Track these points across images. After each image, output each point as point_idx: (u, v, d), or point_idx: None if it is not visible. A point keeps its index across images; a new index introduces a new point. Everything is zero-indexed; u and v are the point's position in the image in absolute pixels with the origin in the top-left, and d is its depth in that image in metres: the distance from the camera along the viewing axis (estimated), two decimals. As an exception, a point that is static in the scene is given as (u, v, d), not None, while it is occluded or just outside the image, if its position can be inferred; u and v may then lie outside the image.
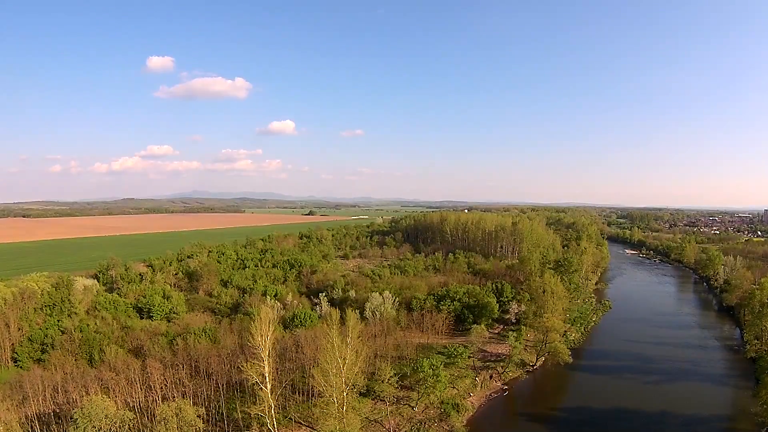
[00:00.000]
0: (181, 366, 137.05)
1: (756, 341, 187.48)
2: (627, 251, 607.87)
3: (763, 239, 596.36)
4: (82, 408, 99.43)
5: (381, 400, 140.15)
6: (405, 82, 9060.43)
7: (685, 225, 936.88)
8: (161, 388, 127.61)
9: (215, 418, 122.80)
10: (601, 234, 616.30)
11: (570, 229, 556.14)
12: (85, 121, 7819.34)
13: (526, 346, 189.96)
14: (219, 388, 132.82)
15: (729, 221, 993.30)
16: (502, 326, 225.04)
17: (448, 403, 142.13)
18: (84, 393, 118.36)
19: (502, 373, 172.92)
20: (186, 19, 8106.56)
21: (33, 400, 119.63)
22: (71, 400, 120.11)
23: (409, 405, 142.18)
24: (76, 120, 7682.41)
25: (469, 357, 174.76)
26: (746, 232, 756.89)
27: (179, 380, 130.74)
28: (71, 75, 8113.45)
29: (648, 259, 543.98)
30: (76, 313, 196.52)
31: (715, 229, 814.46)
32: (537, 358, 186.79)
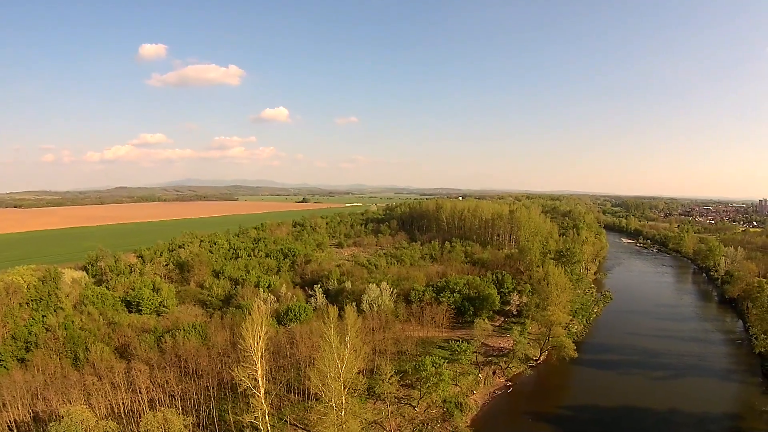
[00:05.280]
0: (168, 367, 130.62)
1: (764, 336, 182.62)
2: (623, 240, 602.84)
3: (760, 230, 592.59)
4: (61, 419, 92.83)
5: (381, 400, 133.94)
6: (399, 70, 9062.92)
7: (680, 214, 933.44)
8: (147, 391, 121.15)
9: (206, 422, 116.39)
10: (598, 223, 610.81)
11: (566, 218, 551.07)
12: (78, 110, 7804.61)
13: (528, 340, 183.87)
14: (209, 389, 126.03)
15: (724, 211, 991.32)
16: (503, 318, 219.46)
17: (450, 402, 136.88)
18: (65, 400, 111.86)
19: (506, 368, 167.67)
20: (179, 6, 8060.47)
21: (11, 406, 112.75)
22: (52, 407, 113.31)
23: (410, 404, 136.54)
24: (69, 109, 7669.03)
25: (472, 353, 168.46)
26: (742, 222, 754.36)
27: (167, 382, 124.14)
28: (63, 64, 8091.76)
29: (645, 248, 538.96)
30: (62, 309, 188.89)
31: (710, 219, 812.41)
32: (540, 353, 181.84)
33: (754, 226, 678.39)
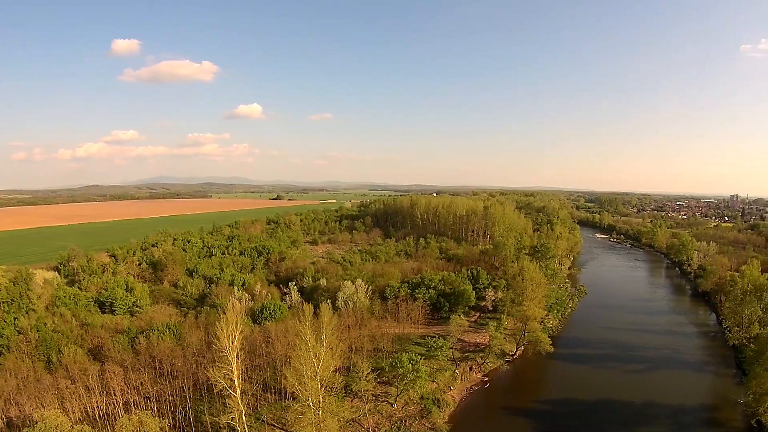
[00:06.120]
0: (143, 369, 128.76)
1: (737, 329, 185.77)
2: (597, 235, 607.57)
3: (731, 225, 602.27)
4: (35, 425, 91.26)
5: (358, 398, 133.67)
6: (372, 67, 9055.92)
7: (653, 210, 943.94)
8: (122, 393, 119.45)
9: (182, 424, 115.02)
10: (571, 218, 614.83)
11: (540, 213, 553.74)
12: (49, 107, 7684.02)
13: (504, 335, 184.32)
14: (185, 390, 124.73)
15: (696, 206, 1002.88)
16: (478, 314, 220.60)
17: (428, 399, 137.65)
18: (39, 404, 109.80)
19: (482, 364, 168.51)
20: (152, 1, 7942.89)
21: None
22: (25, 412, 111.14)
23: (387, 401, 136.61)
24: (40, 106, 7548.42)
25: (449, 349, 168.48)
26: (714, 218, 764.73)
27: (142, 384, 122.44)
28: (34, 60, 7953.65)
29: (619, 243, 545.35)
30: (34, 310, 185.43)
31: (682, 214, 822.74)
32: (517, 348, 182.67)
33: (725, 221, 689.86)
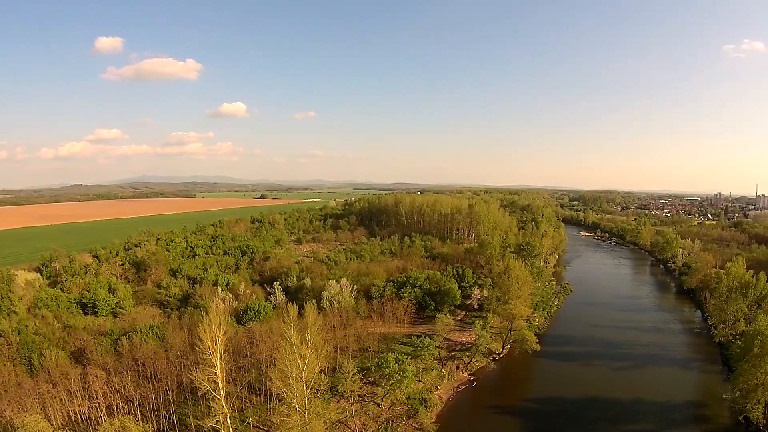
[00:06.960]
0: (126, 371, 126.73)
1: (723, 326, 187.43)
2: (582, 233, 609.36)
3: (714, 222, 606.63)
4: (16, 430, 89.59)
5: (344, 399, 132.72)
6: (357, 65, 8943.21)
7: (637, 207, 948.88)
8: (105, 397, 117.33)
9: (166, 428, 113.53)
10: (556, 216, 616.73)
11: (525, 212, 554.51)
12: (31, 106, 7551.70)
13: (491, 333, 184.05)
14: (168, 393, 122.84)
15: (679, 204, 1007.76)
16: (464, 313, 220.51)
17: (415, 399, 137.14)
18: (20, 409, 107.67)
19: (469, 363, 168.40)
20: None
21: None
22: (6, 418, 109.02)
23: (374, 402, 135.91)
24: (22, 104, 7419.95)
25: (435, 348, 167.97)
26: (697, 215, 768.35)
27: (124, 387, 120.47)
28: (16, 58, 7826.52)
29: (603, 241, 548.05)
30: (15, 312, 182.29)
31: (666, 212, 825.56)
32: (503, 346, 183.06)
33: (709, 219, 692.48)
